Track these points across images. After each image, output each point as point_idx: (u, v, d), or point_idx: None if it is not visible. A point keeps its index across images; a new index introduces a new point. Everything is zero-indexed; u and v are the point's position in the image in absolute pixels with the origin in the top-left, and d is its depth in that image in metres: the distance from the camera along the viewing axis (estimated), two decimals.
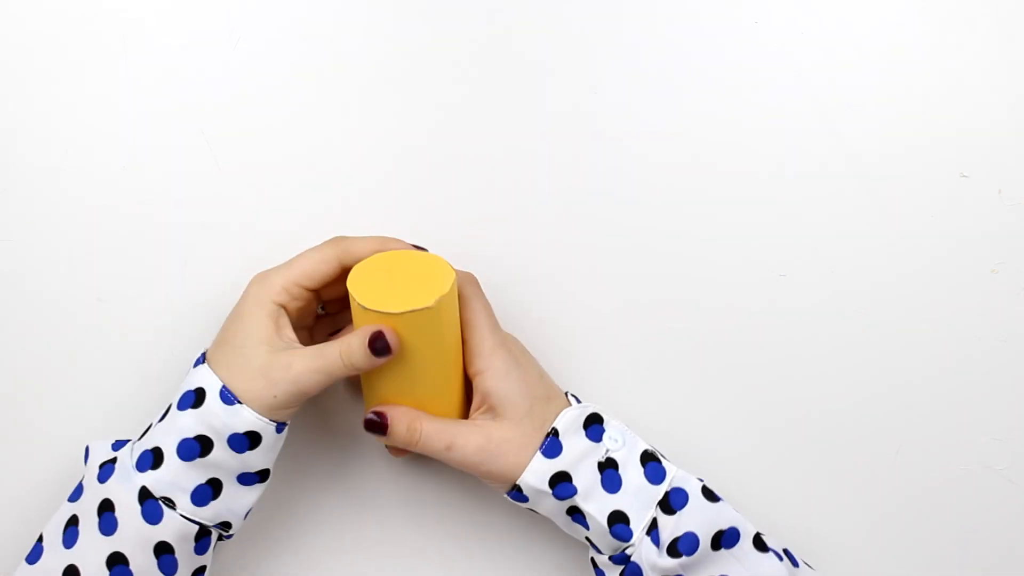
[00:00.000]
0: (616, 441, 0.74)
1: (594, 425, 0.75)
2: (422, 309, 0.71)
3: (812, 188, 0.83)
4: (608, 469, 0.73)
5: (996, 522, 0.83)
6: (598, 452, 0.74)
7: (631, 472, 0.74)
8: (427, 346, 0.73)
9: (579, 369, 0.83)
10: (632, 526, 0.73)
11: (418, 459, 0.83)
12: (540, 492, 0.73)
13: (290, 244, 0.83)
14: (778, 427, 0.83)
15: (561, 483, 0.73)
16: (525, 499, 0.74)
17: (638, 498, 0.73)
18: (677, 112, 0.83)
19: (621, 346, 0.83)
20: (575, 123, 0.83)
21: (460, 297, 0.75)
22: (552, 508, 0.74)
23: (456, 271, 0.75)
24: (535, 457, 0.73)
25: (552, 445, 0.73)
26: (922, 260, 0.83)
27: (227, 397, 0.71)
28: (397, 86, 0.83)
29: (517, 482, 0.73)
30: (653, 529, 0.73)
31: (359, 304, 0.71)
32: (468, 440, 0.73)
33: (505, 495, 0.75)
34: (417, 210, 0.83)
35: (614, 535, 0.73)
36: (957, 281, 0.83)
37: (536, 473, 0.73)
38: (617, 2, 0.83)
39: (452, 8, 0.83)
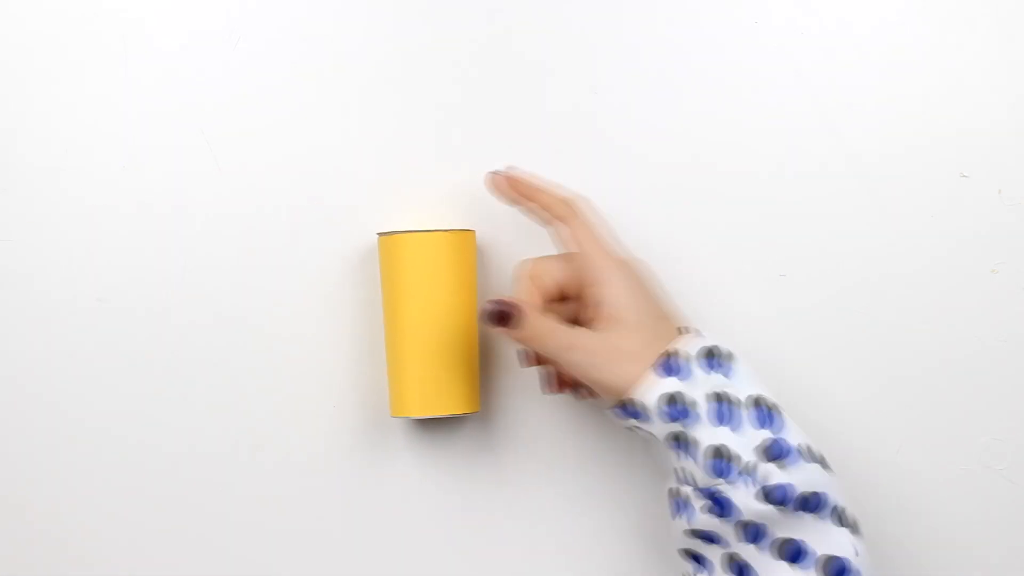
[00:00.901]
0: (732, 377, 0.74)
1: (712, 357, 0.74)
2: (452, 230, 0.78)
3: (812, 188, 0.83)
4: (721, 402, 0.73)
5: (996, 522, 0.83)
6: (712, 383, 0.73)
7: (740, 411, 0.73)
8: (453, 274, 0.78)
9: None
10: (733, 463, 0.71)
11: (416, 464, 0.84)
12: (650, 410, 0.73)
13: (290, 244, 0.83)
14: None
15: (673, 404, 0.72)
16: (633, 415, 0.74)
17: (743, 438, 0.72)
18: (677, 112, 0.83)
19: None
20: (575, 123, 0.83)
21: (572, 214, 0.76)
22: (658, 429, 0.73)
23: (569, 192, 0.77)
24: (649, 375, 0.72)
25: (669, 365, 0.73)
26: (922, 260, 0.83)
27: None
28: (397, 86, 0.83)
29: (629, 396, 0.73)
30: (752, 472, 0.71)
31: (395, 233, 0.78)
32: (587, 342, 0.73)
33: (610, 410, 0.75)
34: (417, 210, 0.83)
35: (712, 468, 0.72)
36: (957, 281, 0.83)
37: (650, 390, 0.72)
38: (617, 2, 0.83)
39: (452, 8, 0.83)
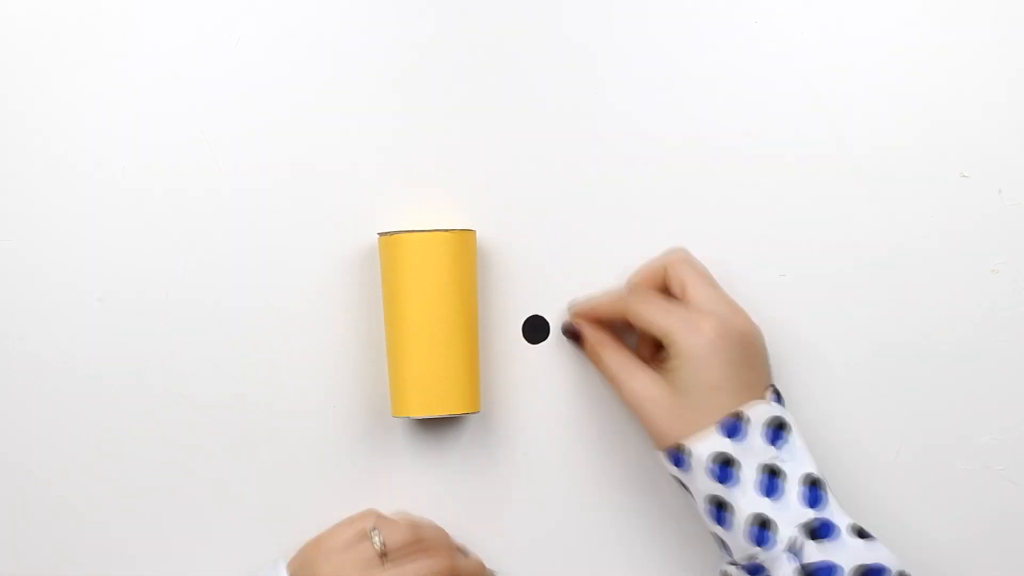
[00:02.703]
0: (789, 453, 0.73)
1: (776, 429, 0.74)
2: (452, 230, 0.78)
3: (812, 188, 0.83)
4: (771, 474, 0.73)
5: (996, 522, 0.83)
6: (767, 454, 0.73)
7: (790, 487, 0.73)
8: (454, 274, 0.78)
9: (578, 375, 0.83)
10: (772, 533, 0.71)
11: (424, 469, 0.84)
12: (700, 465, 0.73)
13: (290, 244, 0.83)
14: None
15: (722, 465, 0.72)
16: (677, 462, 0.74)
17: (787, 513, 0.72)
18: (677, 112, 0.83)
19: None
20: (575, 124, 0.83)
21: (674, 260, 0.79)
22: (701, 487, 0.73)
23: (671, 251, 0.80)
24: (712, 431, 0.72)
25: (733, 427, 0.73)
26: (922, 260, 0.83)
27: None
28: (397, 86, 0.83)
29: (683, 443, 0.73)
30: (796, 550, 0.71)
31: (396, 233, 0.78)
32: (656, 395, 0.75)
33: (660, 451, 0.75)
34: (417, 211, 0.83)
35: (751, 536, 0.72)
36: (957, 281, 0.83)
37: (703, 443, 0.72)
38: (617, 2, 0.83)
39: (452, 8, 0.83)
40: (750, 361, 0.76)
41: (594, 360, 0.80)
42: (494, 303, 0.83)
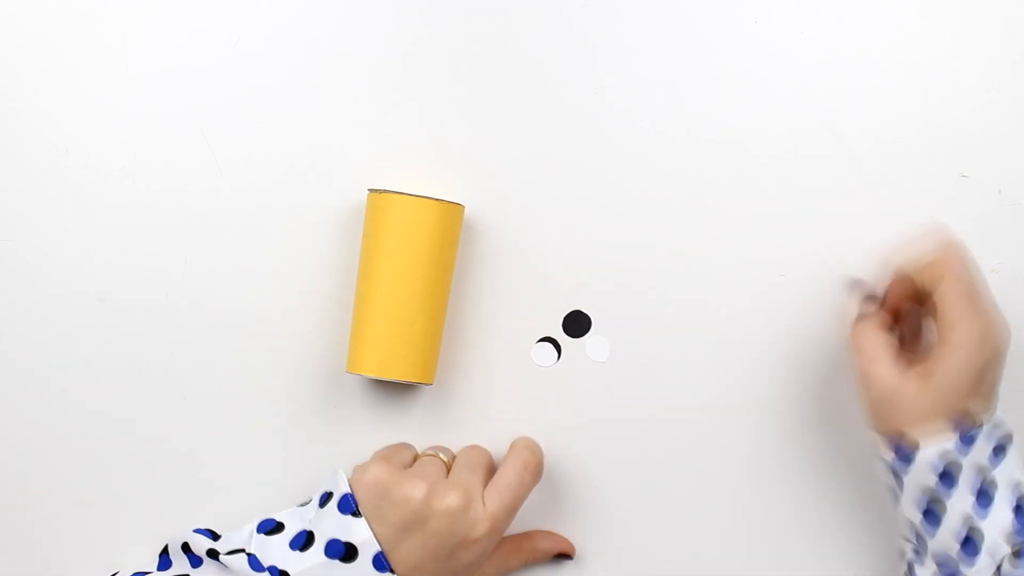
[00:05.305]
0: (1005, 470, 0.72)
1: (1001, 445, 0.72)
2: (440, 200, 0.78)
3: (812, 188, 0.83)
4: (988, 489, 0.71)
5: None
6: (988, 466, 0.71)
7: (1003, 506, 0.71)
8: (433, 244, 0.77)
9: (578, 370, 0.83)
10: (979, 543, 0.70)
11: None
12: (926, 461, 0.71)
13: (290, 244, 0.83)
14: (777, 427, 0.83)
15: (947, 464, 0.71)
16: (902, 452, 0.72)
17: (996, 532, 0.71)
18: (677, 112, 0.83)
19: (619, 345, 0.83)
20: (576, 124, 0.83)
21: (940, 278, 0.73)
22: (917, 491, 0.72)
23: (934, 249, 0.75)
24: (950, 437, 0.70)
25: (969, 437, 0.71)
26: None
27: (381, 564, 0.73)
28: (397, 86, 0.83)
29: (914, 435, 0.71)
30: (996, 558, 0.71)
31: (388, 193, 0.77)
32: (904, 390, 0.71)
33: (878, 435, 0.74)
34: None
35: (960, 554, 0.71)
36: None
37: (940, 453, 0.70)
38: (617, 2, 0.83)
39: (452, 7, 0.83)
40: (997, 379, 0.74)
41: (859, 351, 0.75)
42: (490, 295, 0.83)
